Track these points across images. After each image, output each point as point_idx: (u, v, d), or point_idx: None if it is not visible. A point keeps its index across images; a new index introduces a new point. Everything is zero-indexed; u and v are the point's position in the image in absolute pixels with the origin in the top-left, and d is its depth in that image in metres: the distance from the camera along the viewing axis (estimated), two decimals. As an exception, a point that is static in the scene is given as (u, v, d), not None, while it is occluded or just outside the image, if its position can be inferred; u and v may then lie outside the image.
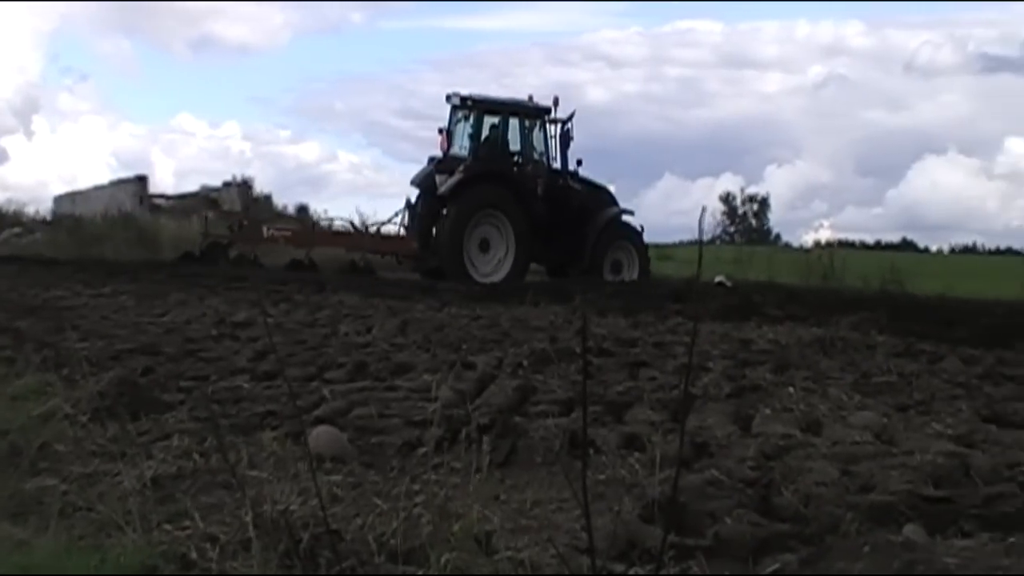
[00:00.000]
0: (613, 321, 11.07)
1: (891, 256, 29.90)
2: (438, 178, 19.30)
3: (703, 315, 11.65)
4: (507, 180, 19.54)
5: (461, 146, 19.98)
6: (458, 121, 20.21)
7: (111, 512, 3.16)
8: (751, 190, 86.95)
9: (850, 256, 24.31)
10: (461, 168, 19.09)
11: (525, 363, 6.91)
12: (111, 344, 7.41)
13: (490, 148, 19.87)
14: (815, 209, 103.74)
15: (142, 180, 31.96)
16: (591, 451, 4.30)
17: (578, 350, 7.22)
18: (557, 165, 20.26)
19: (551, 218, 19.55)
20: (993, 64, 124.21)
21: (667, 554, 2.80)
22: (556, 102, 20.11)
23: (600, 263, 20.01)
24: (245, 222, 20.63)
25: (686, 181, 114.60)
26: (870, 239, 71.62)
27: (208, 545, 2.86)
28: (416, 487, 3.63)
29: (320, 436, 4.28)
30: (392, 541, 2.89)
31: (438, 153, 20.01)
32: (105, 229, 26.08)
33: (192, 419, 4.69)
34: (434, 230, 19.44)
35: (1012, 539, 3.04)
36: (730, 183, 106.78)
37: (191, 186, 36.00)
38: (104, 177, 53.43)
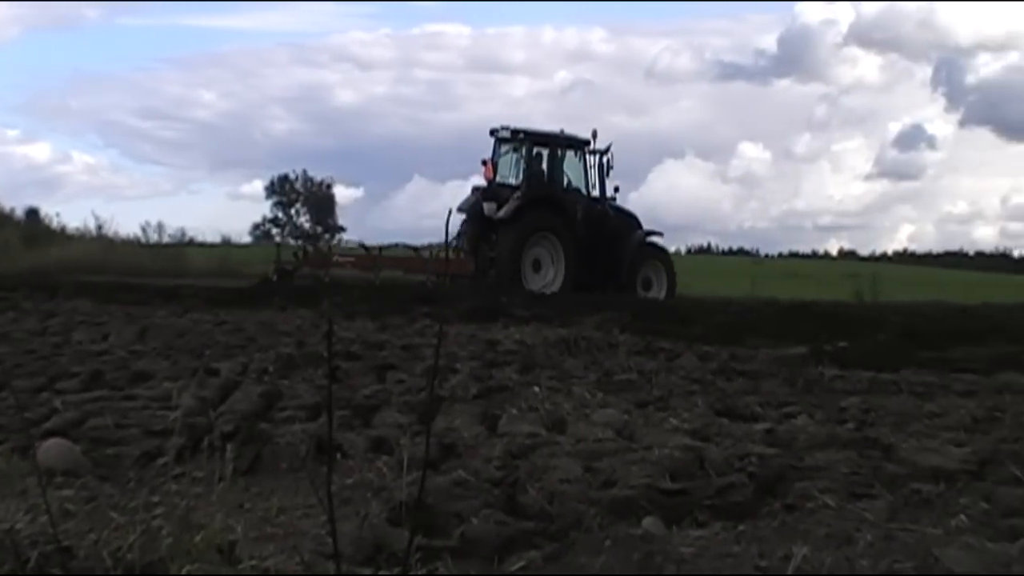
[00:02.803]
0: (361, 324, 11.02)
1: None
2: (485, 205, 20.98)
3: (450, 317, 11.75)
4: (556, 205, 21.44)
5: (503, 175, 21.79)
6: (505, 152, 22.09)
7: None
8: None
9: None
10: (517, 195, 20.96)
11: (271, 368, 6.78)
12: None
13: (538, 176, 21.83)
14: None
15: None
16: (338, 456, 4.26)
17: (325, 354, 7.14)
18: (595, 192, 22.34)
19: (590, 240, 21.47)
20: (728, 71, 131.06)
21: (414, 556, 2.79)
22: (595, 134, 22.10)
23: (634, 281, 21.89)
24: (311, 250, 21.90)
25: (436, 183, 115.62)
26: (612, 241, 73.96)
27: (-77, 570, 2.67)
28: (155, 498, 3.50)
29: (50, 449, 4.06)
30: (129, 555, 2.77)
31: (482, 182, 21.71)
32: None
33: (-93, 436, 4.37)
34: (489, 252, 21.20)
35: (742, 527, 3.18)
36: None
37: (-95, 187, 33.57)
38: None
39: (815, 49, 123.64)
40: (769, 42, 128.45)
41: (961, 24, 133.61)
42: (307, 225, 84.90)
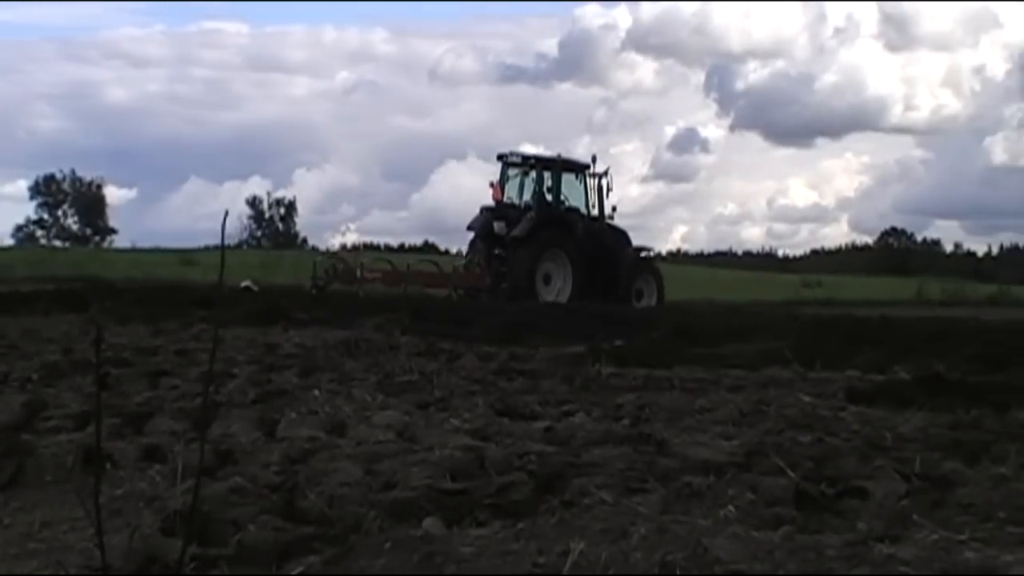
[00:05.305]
0: (133, 329, 10.68)
1: (416, 257, 30.92)
2: (496, 224, 23.08)
3: (228, 321, 11.49)
4: (563, 224, 23.54)
5: (509, 196, 23.97)
6: (514, 175, 24.30)
7: None
8: (279, 193, 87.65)
9: (376, 259, 25.17)
10: (530, 215, 23.08)
11: (35, 376, 6.50)
12: None
13: (544, 197, 23.72)
14: (343, 213, 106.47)
15: None
16: (108, 465, 4.10)
17: (94, 360, 6.88)
18: (595, 211, 24.33)
19: (590, 256, 23.40)
20: (510, 74, 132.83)
21: (187, 565, 2.71)
22: (594, 159, 24.53)
23: (628, 293, 23.83)
24: (341, 266, 22.50)
25: (213, 184, 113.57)
26: (394, 242, 74.22)
27: None
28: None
29: None
30: None
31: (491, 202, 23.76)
32: None
33: None
34: (500, 267, 23.08)
35: (521, 525, 3.22)
36: (258, 187, 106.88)
37: None
38: None
39: (595, 53, 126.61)
40: (550, 46, 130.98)
41: (732, 31, 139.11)
42: (75, 227, 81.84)
